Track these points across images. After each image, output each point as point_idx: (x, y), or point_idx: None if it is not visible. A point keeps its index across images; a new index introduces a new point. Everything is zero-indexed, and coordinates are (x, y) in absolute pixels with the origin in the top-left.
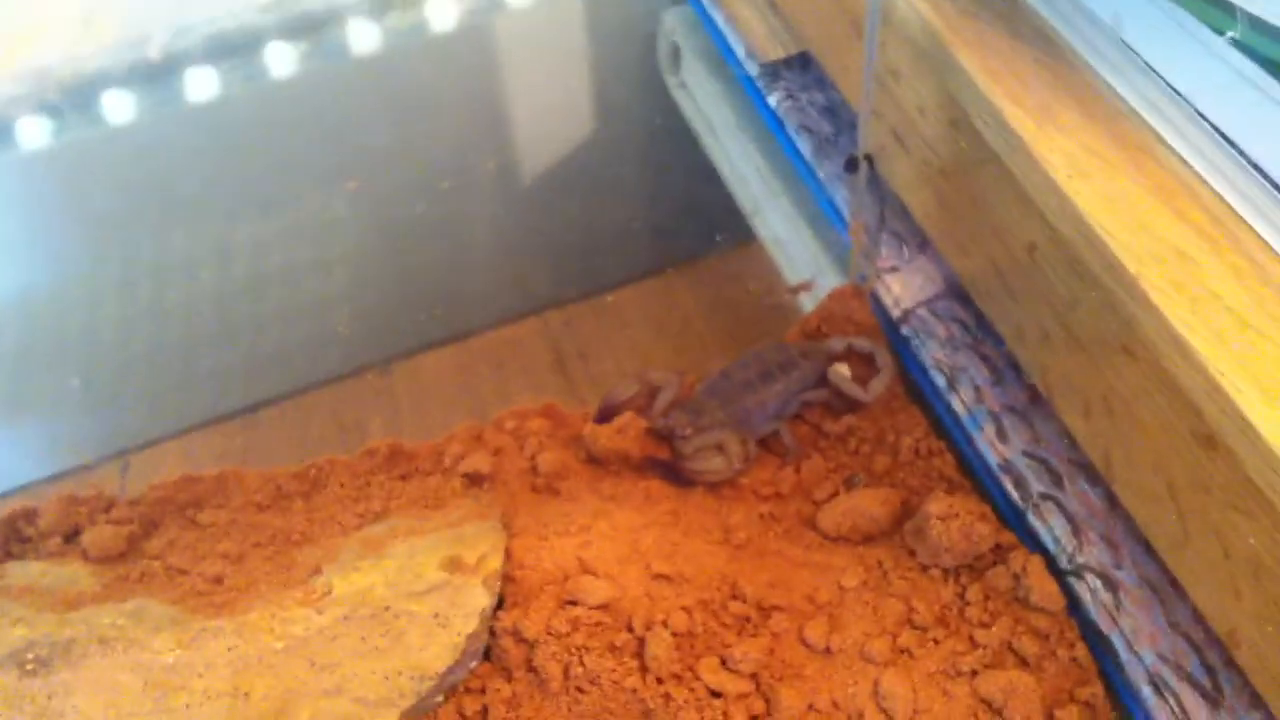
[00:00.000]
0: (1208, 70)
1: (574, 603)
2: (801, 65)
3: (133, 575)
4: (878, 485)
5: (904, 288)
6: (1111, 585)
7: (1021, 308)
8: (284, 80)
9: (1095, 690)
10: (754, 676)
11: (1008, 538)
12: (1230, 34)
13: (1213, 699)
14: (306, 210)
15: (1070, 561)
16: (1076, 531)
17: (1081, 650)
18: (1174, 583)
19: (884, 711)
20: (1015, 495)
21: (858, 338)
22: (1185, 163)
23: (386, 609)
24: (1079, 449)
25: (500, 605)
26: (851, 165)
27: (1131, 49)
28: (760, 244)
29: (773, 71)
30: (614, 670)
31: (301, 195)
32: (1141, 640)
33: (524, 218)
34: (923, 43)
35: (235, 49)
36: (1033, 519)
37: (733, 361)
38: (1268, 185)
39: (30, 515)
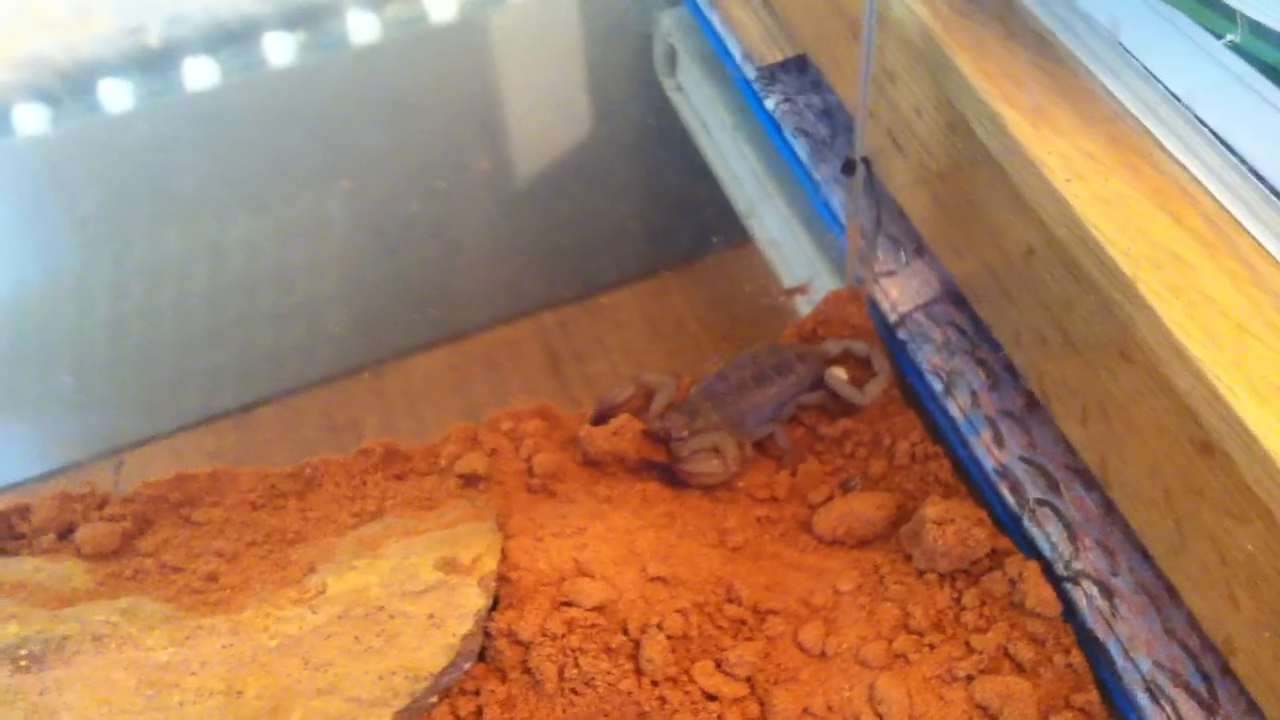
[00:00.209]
0: (1205, 74)
1: (569, 604)
2: (798, 68)
3: (126, 573)
4: (874, 489)
5: (901, 291)
6: (1108, 591)
7: (1018, 312)
8: (280, 71)
9: (1091, 697)
10: (749, 680)
11: (1004, 543)
12: (1229, 37)
13: (1208, 706)
14: (301, 209)
15: (1066, 567)
16: (1073, 537)
17: (1077, 656)
18: (1170, 589)
19: (879, 716)
20: (1012, 501)
21: (854, 341)
22: (1182, 166)
23: (381, 609)
24: (1075, 454)
25: (495, 606)
26: (848, 168)
27: (1129, 52)
28: (756, 246)
29: (770, 74)
30: (609, 672)
31: (295, 194)
32: (1137, 647)
33: (519, 219)
34: (919, 45)
35: (233, 38)
36: (1029, 524)
37: (728, 364)
38: (1265, 190)
39: (24, 512)
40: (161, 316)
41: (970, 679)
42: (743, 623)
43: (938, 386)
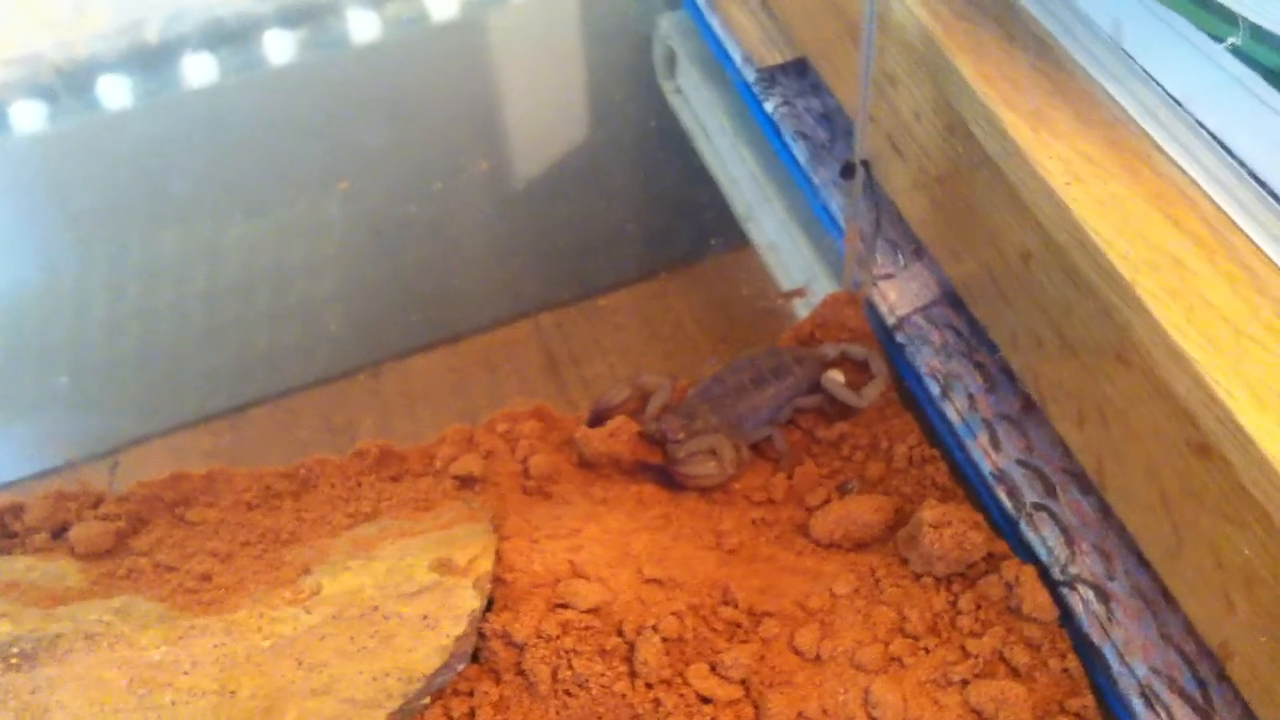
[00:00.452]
0: (1205, 77)
1: (564, 606)
2: (798, 71)
3: (120, 572)
4: (871, 492)
5: (899, 294)
6: (1104, 596)
7: (1016, 315)
8: (279, 70)
9: (1086, 701)
10: (744, 683)
11: (1000, 547)
12: (1231, 40)
13: (1204, 712)
14: (298, 209)
15: (1063, 572)
16: (1069, 541)
17: (1073, 661)
18: (1166, 594)
19: None
20: (1008, 504)
21: (852, 344)
22: (1182, 170)
23: (375, 609)
24: (1072, 458)
25: (490, 608)
26: (848, 171)
27: (1129, 55)
28: (754, 249)
29: (769, 77)
30: (603, 674)
31: (293, 194)
32: (1133, 652)
33: (517, 220)
34: (919, 48)
35: (232, 35)
36: (1026, 528)
37: (726, 366)
38: (1264, 193)
39: (17, 510)
40: (158, 317)
41: (965, 683)
42: (738, 625)
43: (935, 389)
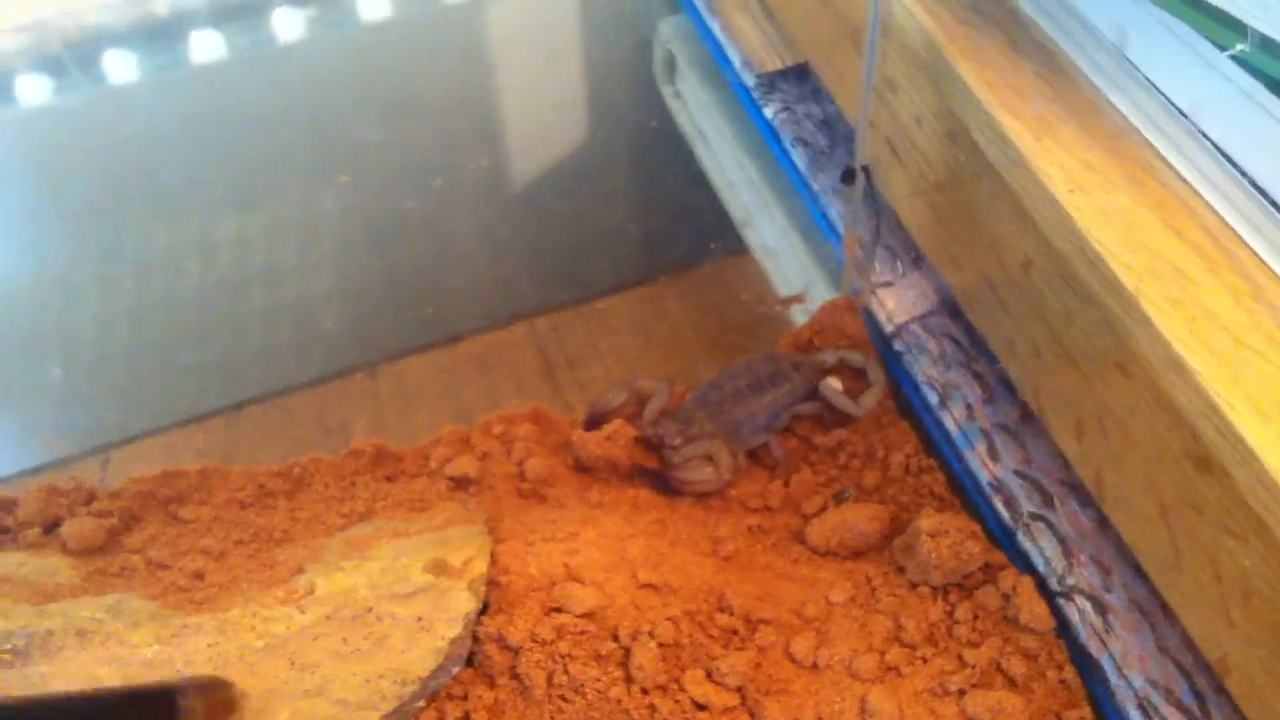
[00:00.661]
0: (1210, 88)
1: (559, 610)
2: (798, 77)
3: (112, 569)
4: (867, 501)
5: (897, 302)
6: (1101, 608)
7: (1015, 324)
8: (285, 48)
9: (1083, 713)
10: (740, 690)
11: (998, 557)
12: (1239, 47)
13: None
14: (295, 206)
15: (1060, 583)
16: (1067, 553)
17: (1070, 672)
18: (1164, 607)
19: None
20: (1006, 515)
21: (850, 351)
22: (1185, 180)
23: (369, 610)
24: (1070, 469)
25: (485, 611)
26: (848, 176)
27: (1132, 64)
28: (752, 255)
29: (769, 82)
30: (598, 679)
31: (291, 187)
32: (1131, 664)
33: (515, 222)
34: (922, 54)
35: (240, 10)
36: (1023, 539)
37: (723, 372)
38: (1267, 204)
39: (9, 506)
40: (152, 314)
41: (962, 693)
42: (734, 632)
43: (933, 398)
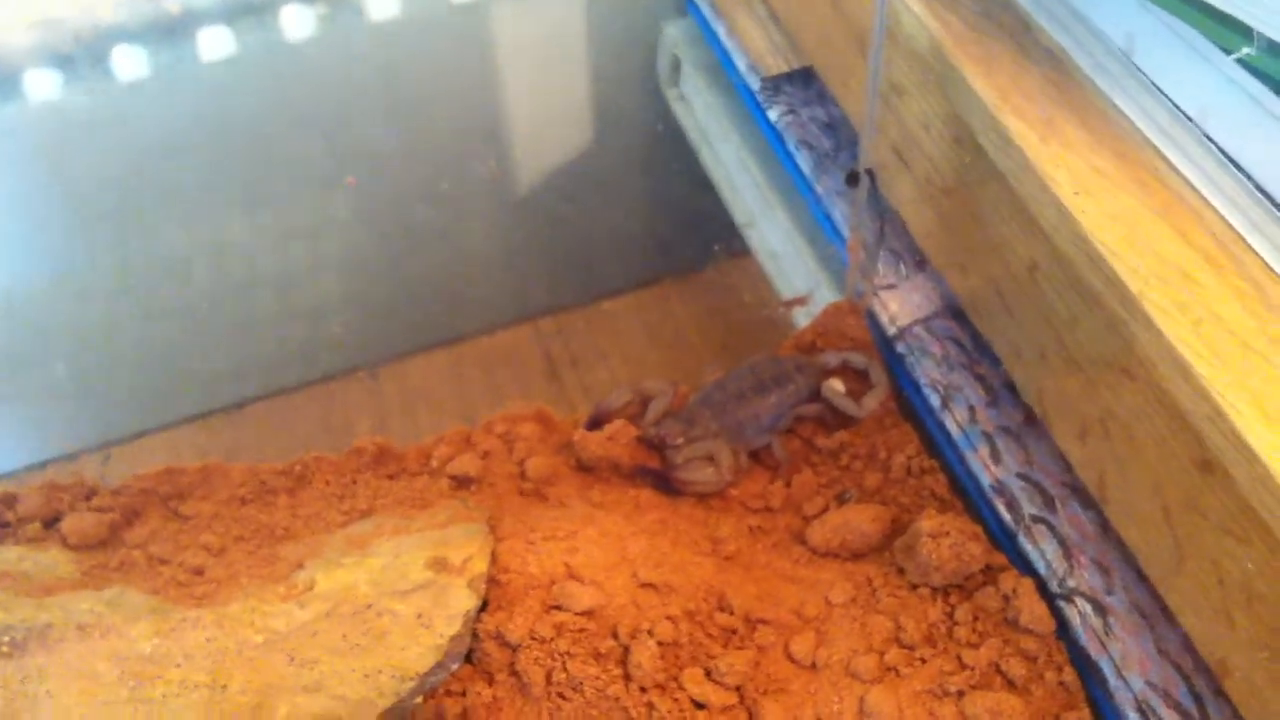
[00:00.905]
0: (1215, 91)
1: (559, 608)
2: (803, 80)
3: (112, 564)
4: (869, 502)
5: (901, 305)
6: (1101, 610)
7: (1020, 327)
8: (295, 46)
9: (1082, 715)
10: (738, 689)
11: (998, 559)
12: (1245, 51)
13: None
14: (302, 207)
15: (1061, 585)
16: (1068, 555)
17: (1069, 674)
18: (1165, 609)
19: None
20: (1007, 517)
21: (853, 353)
22: (1191, 185)
23: (369, 607)
24: (1073, 472)
25: (484, 608)
26: (852, 180)
27: (1139, 69)
28: (755, 258)
29: (774, 86)
30: (597, 677)
31: (299, 189)
32: (1130, 666)
33: (519, 224)
34: (929, 59)
35: (249, 7)
36: (1024, 541)
37: (726, 373)
38: (1273, 208)
39: (10, 500)
40: (158, 313)
41: (961, 694)
42: (733, 632)
43: (935, 401)
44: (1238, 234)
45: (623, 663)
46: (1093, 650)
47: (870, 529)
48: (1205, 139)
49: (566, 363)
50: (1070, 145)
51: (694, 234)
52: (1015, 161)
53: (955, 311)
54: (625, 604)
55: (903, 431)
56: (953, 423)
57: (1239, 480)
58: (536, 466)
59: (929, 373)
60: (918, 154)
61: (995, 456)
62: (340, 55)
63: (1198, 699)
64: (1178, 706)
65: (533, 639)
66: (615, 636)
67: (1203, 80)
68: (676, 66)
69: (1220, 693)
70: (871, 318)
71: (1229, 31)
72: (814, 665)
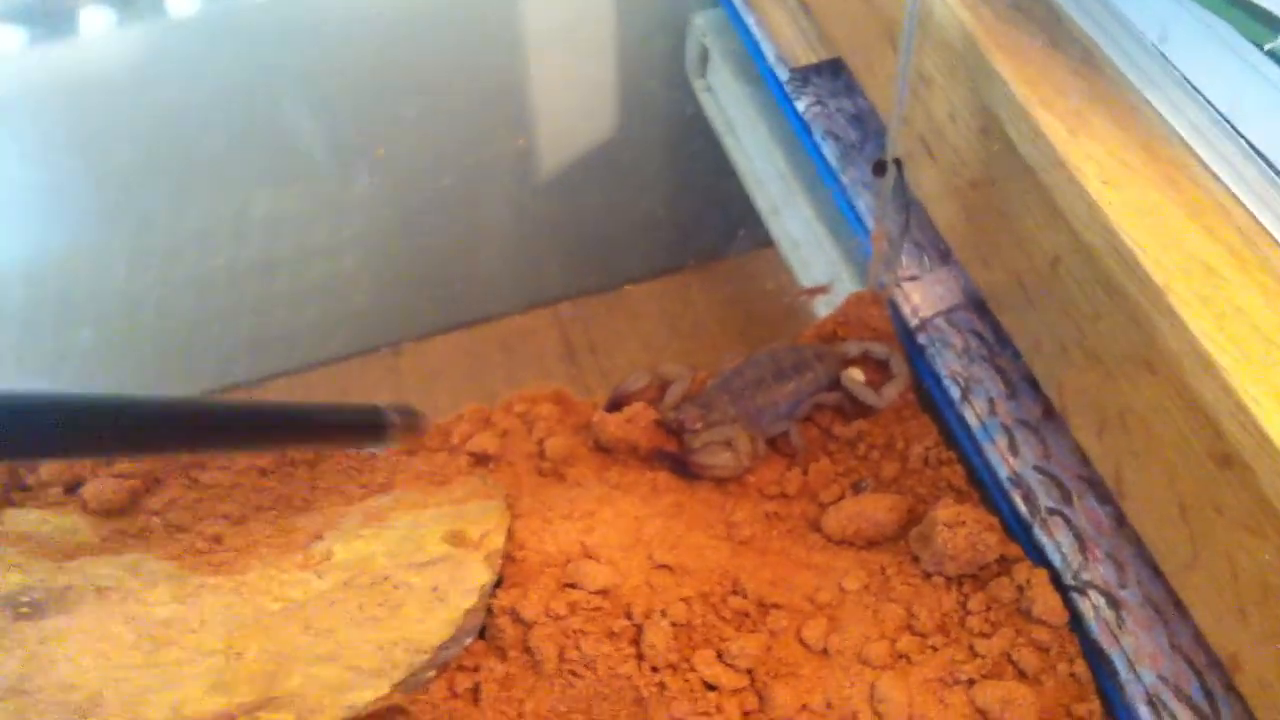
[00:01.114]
0: (1246, 86)
1: (574, 586)
2: (832, 71)
3: (132, 530)
4: (885, 492)
5: (923, 297)
6: (1115, 603)
7: (1041, 320)
8: (332, 17)
9: (1093, 707)
10: (749, 672)
11: (1013, 550)
12: (1277, 43)
13: None
14: (327, 182)
15: (1075, 577)
16: (1083, 548)
17: (1081, 666)
18: (1178, 604)
19: (878, 715)
20: (1023, 509)
21: (873, 343)
22: (1218, 178)
23: (386, 579)
24: (1090, 466)
25: (499, 584)
26: (879, 169)
27: (1170, 62)
28: (778, 247)
29: (802, 77)
30: (610, 656)
31: (324, 165)
32: (1142, 660)
33: (544, 208)
34: (959, 49)
35: None
36: (1039, 533)
37: (747, 359)
38: None
39: (31, 464)
40: (181, 287)
41: (972, 683)
42: (746, 615)
43: (955, 392)
44: (1264, 229)
45: (635, 642)
46: (1105, 643)
47: (886, 518)
48: (1234, 133)
49: (585, 347)
50: (1099, 137)
51: (717, 222)
52: (1043, 153)
53: (977, 304)
54: (639, 584)
55: (921, 423)
56: (972, 415)
57: (1259, 474)
58: (555, 446)
59: (949, 365)
60: (944, 146)
61: (1013, 449)
62: (375, 33)
63: (1209, 694)
64: (1189, 701)
65: (547, 616)
66: (629, 616)
67: (1233, 73)
68: (704, 56)
69: (1232, 688)
70: (893, 308)
71: (1261, 25)
72: (825, 651)
